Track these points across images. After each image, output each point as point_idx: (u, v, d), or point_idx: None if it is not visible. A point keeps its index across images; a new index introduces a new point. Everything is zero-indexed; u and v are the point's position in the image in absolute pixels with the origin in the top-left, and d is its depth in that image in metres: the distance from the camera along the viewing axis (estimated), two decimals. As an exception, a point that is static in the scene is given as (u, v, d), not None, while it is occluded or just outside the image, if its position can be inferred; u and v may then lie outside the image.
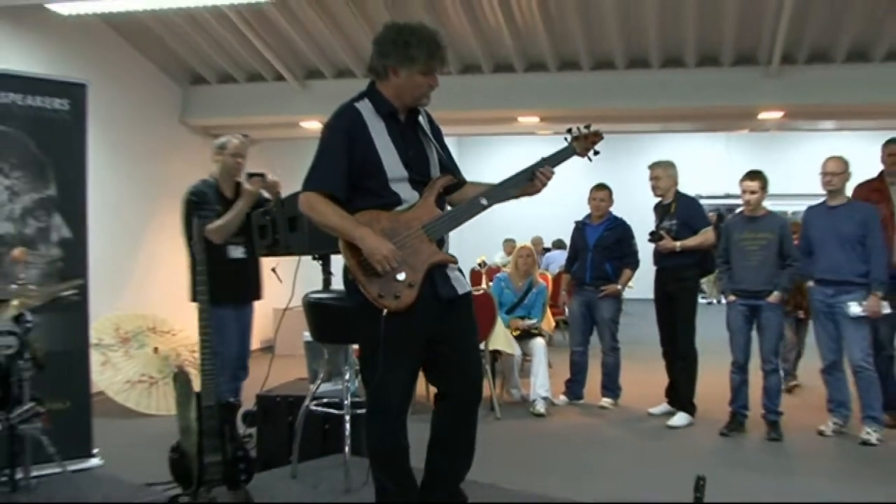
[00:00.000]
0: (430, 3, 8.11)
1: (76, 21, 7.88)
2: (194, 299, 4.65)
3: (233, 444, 4.42)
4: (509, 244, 14.06)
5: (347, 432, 4.63)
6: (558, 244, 14.19)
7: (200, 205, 5.60)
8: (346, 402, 4.66)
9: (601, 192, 7.92)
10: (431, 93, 3.63)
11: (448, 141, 3.94)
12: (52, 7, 7.41)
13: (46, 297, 4.54)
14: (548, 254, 13.82)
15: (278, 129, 11.00)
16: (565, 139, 3.79)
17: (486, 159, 18.14)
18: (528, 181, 3.67)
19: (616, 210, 8.04)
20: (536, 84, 9.39)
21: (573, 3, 7.96)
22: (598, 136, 3.81)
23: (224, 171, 5.89)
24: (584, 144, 3.78)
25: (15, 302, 4.23)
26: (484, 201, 3.61)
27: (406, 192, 3.55)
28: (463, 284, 3.69)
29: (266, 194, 5.68)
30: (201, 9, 8.11)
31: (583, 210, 8.11)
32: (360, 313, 3.52)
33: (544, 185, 3.68)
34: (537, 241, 14.05)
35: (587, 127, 3.81)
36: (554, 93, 9.39)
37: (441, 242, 3.58)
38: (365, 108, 3.58)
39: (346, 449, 4.63)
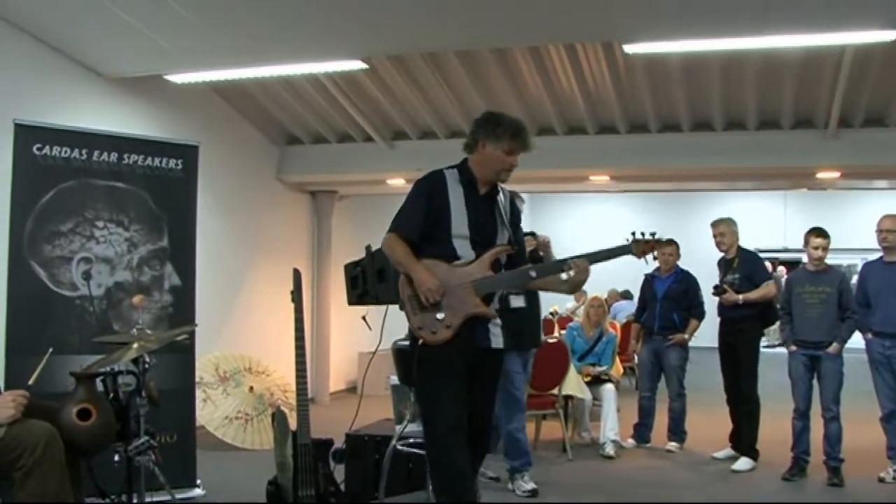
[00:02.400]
0: (508, 70, 8.19)
1: (187, 88, 8.14)
2: None
3: (325, 479, 4.47)
4: (580, 294, 13.92)
5: (432, 471, 4.63)
6: (625, 294, 13.99)
7: None
8: (431, 443, 4.64)
9: (669, 247, 7.81)
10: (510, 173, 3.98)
11: (525, 197, 4.13)
12: (168, 77, 7.73)
13: (164, 341, 4.65)
14: (615, 304, 13.62)
15: (366, 186, 11.17)
16: (626, 239, 4.02)
17: (559, 216, 18.00)
18: (560, 270, 3.90)
19: (680, 263, 7.97)
20: (607, 145, 9.38)
21: (642, 70, 7.97)
22: (658, 244, 4.05)
23: None
24: (642, 248, 4.01)
25: (135, 345, 4.35)
26: (533, 273, 3.98)
27: (464, 249, 3.88)
28: (498, 341, 3.94)
29: (540, 252, 5.89)
30: (298, 76, 8.33)
31: (649, 264, 8.03)
32: (411, 349, 3.86)
33: (580, 276, 3.87)
34: (613, 294, 13.89)
35: (652, 234, 4.02)
36: (623, 153, 9.37)
37: (489, 299, 3.86)
38: (450, 174, 4.02)
39: (430, 487, 4.62)
